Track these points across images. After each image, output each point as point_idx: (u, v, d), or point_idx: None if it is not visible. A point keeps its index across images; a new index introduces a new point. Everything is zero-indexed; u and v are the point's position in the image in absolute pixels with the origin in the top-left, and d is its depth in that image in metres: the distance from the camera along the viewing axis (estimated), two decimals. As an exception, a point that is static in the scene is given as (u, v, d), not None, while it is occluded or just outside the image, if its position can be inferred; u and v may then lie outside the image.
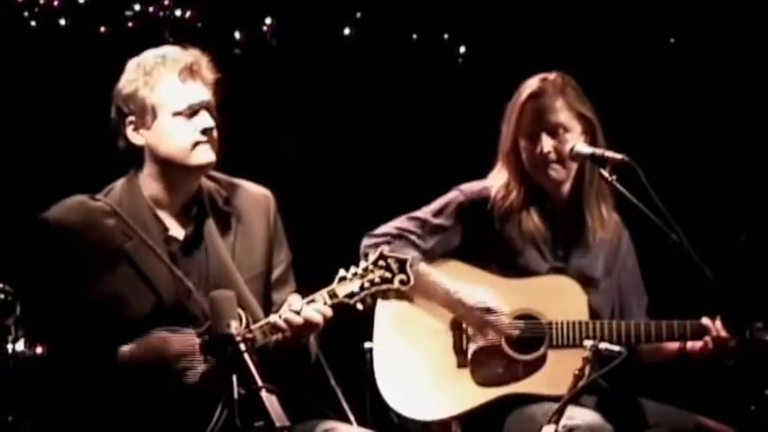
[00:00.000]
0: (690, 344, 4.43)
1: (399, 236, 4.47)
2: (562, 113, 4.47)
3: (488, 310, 4.41)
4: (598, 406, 4.38)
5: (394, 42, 6.55)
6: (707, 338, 4.38)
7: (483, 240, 4.51)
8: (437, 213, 4.54)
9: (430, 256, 4.49)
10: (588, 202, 4.52)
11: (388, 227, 4.51)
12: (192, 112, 3.92)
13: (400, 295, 4.12)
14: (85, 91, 5.71)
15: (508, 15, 6.40)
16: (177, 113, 3.91)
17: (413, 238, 4.46)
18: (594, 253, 4.55)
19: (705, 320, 4.39)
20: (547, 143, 4.45)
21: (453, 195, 4.57)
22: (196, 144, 3.91)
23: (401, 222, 4.53)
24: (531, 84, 4.50)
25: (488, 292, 4.44)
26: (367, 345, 4.56)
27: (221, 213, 4.00)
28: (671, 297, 4.56)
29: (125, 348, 3.77)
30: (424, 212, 4.55)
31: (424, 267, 4.41)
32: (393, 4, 6.48)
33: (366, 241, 4.47)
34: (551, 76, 4.51)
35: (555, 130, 4.46)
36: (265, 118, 6.35)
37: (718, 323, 4.37)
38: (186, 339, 3.78)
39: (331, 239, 4.57)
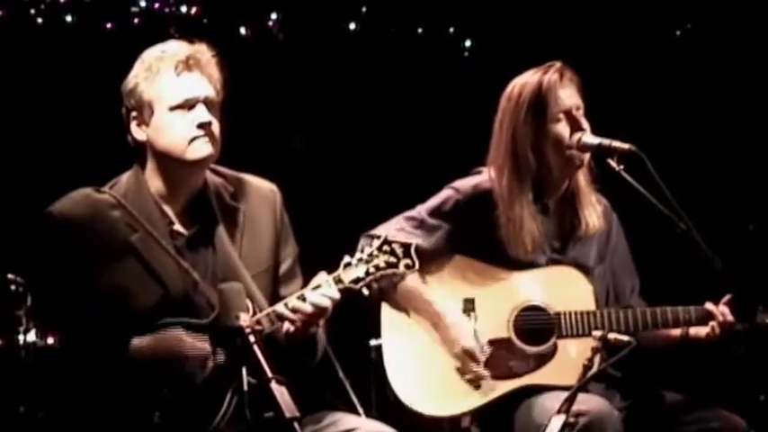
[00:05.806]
0: (693, 330, 4.44)
1: None
2: (579, 94, 4.47)
3: (465, 351, 4.41)
4: (606, 393, 4.38)
5: (399, 37, 6.55)
6: (713, 324, 4.38)
7: (481, 236, 4.48)
8: (432, 213, 4.51)
9: (429, 256, 4.47)
10: (581, 192, 4.52)
11: (385, 228, 4.45)
12: (189, 106, 3.87)
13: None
14: (90, 87, 5.74)
15: (513, 8, 6.40)
16: (173, 108, 3.87)
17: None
18: (588, 241, 4.56)
19: (709, 306, 4.40)
20: (583, 120, 4.43)
21: (448, 194, 4.54)
22: (193, 139, 3.86)
23: (398, 223, 4.49)
24: (547, 73, 4.45)
25: (469, 327, 4.42)
26: (373, 342, 4.53)
27: (228, 208, 3.98)
28: (677, 286, 4.55)
29: (137, 341, 3.76)
30: (420, 212, 4.52)
31: (413, 282, 4.41)
32: (398, -1, 6.50)
33: (363, 242, 4.42)
34: (556, 64, 4.49)
35: (580, 109, 4.46)
36: (271, 113, 6.35)
37: (723, 308, 4.38)
38: (198, 340, 3.77)
39: (337, 233, 4.55)
